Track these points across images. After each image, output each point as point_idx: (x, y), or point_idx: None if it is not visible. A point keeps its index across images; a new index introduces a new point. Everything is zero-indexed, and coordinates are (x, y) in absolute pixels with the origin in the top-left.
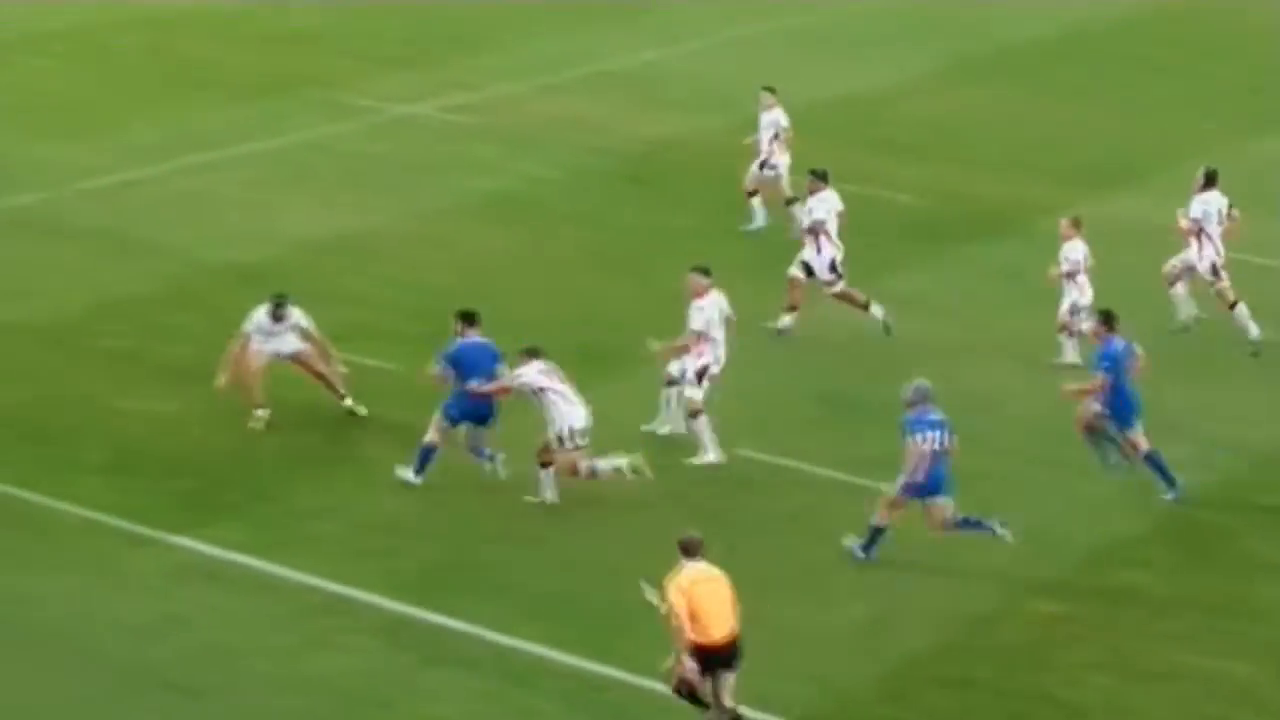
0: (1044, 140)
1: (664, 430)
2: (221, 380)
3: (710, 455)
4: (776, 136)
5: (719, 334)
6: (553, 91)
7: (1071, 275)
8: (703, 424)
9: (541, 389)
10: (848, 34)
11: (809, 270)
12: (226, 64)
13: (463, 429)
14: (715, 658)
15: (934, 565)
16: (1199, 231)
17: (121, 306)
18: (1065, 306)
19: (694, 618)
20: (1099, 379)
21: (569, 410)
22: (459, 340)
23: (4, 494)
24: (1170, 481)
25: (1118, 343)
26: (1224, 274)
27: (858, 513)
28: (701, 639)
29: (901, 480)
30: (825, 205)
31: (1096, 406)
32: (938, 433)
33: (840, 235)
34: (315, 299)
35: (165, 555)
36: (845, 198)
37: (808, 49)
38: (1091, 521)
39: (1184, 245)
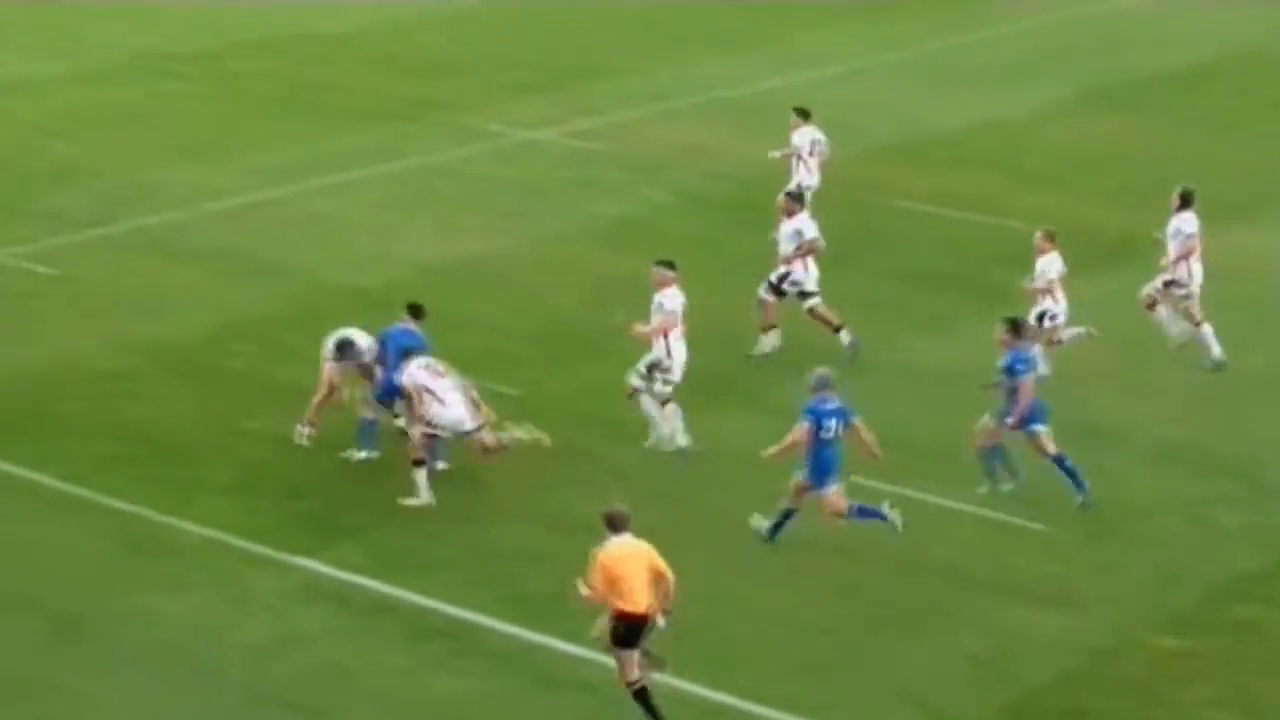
0: (1178, 171)
1: (682, 442)
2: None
3: (660, 433)
4: (799, 157)
5: (680, 328)
6: (675, 118)
7: (1047, 291)
8: (647, 403)
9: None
10: (977, 62)
11: (779, 291)
12: (352, 88)
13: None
14: (640, 626)
15: (1051, 596)
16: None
17: (247, 327)
18: (1033, 314)
19: (618, 588)
20: (1025, 384)
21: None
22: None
23: (129, 513)
24: (1079, 485)
25: (1024, 350)
26: (1184, 292)
27: (985, 547)
28: (630, 608)
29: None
30: (813, 226)
31: (994, 422)
32: (833, 421)
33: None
34: (439, 323)
35: (286, 575)
36: (971, 226)
37: (933, 77)
38: (1214, 556)
39: (1160, 265)
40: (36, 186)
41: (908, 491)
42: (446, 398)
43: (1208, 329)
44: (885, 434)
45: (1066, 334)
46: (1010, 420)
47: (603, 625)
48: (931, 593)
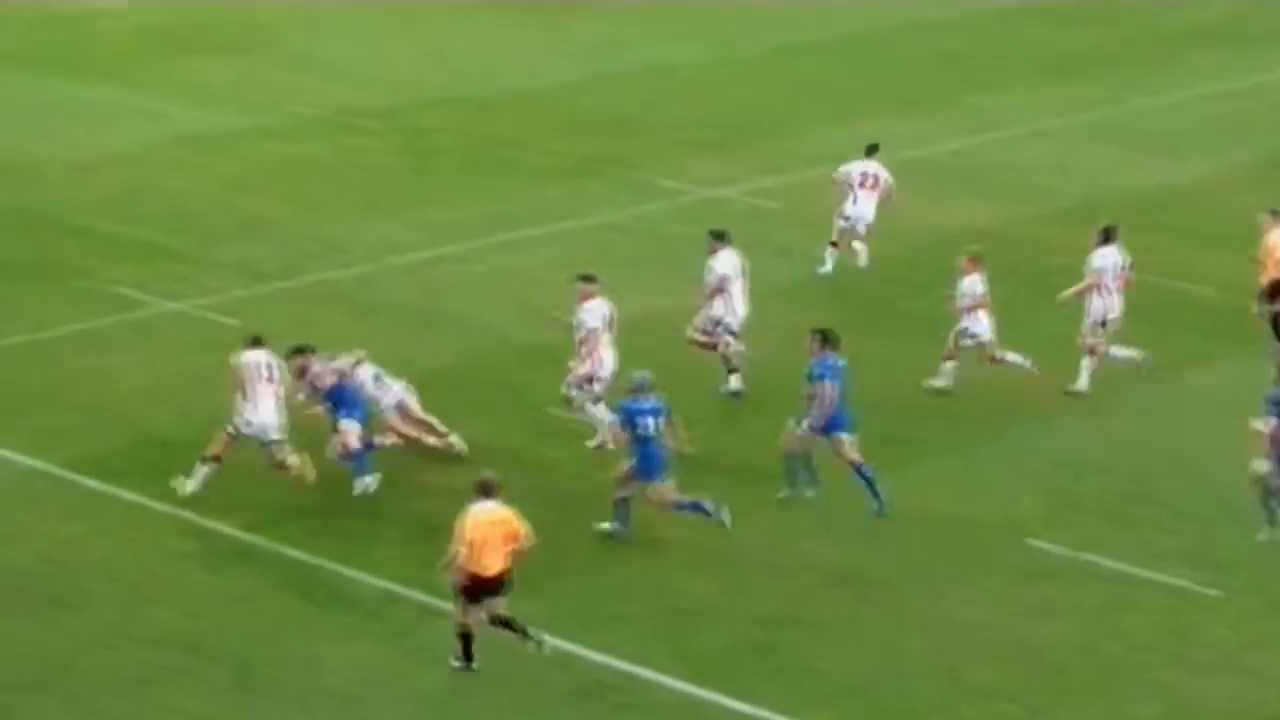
0: None
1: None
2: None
3: (604, 435)
4: (850, 186)
5: (606, 337)
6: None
7: (973, 309)
8: (589, 409)
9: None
10: (1161, 125)
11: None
12: (535, 145)
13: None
14: (486, 588)
15: (1227, 664)
16: (1097, 285)
17: (427, 380)
18: (955, 334)
19: (473, 551)
20: (827, 390)
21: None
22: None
23: (306, 562)
24: (875, 495)
25: (831, 359)
26: (1105, 330)
27: (1161, 612)
28: (479, 570)
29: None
30: (727, 264)
31: (802, 428)
32: (650, 419)
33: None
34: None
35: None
36: (1149, 290)
37: (1116, 139)
38: None
39: (1086, 303)
40: (224, 238)
41: (1085, 555)
42: (260, 402)
43: (1089, 364)
44: (1059, 491)
45: (1010, 356)
46: (812, 425)
47: (454, 579)
48: (1106, 658)
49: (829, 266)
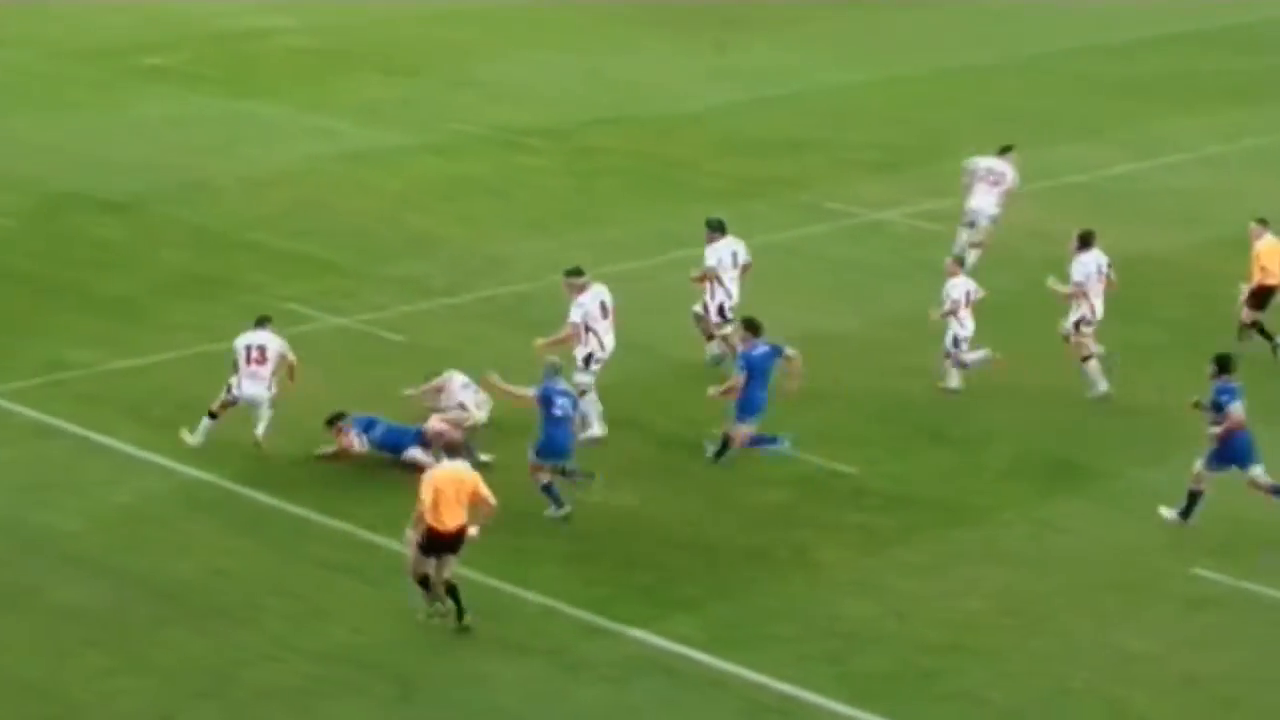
0: None
1: (594, 433)
2: None
3: (595, 430)
4: (974, 179)
5: (600, 325)
6: (1019, 201)
7: (952, 313)
8: (590, 401)
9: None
10: None
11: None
12: (700, 166)
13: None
14: (443, 543)
15: None
16: (1083, 292)
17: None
18: (948, 339)
19: (434, 506)
20: (737, 378)
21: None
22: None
23: (470, 578)
24: (772, 440)
25: (761, 347)
26: (1090, 329)
27: None
28: (435, 524)
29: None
30: (716, 254)
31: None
32: (566, 400)
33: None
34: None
35: (620, 646)
36: None
37: None
38: None
39: (1070, 306)
40: (390, 254)
41: (1254, 586)
42: (244, 378)
43: (1094, 364)
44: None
45: (970, 357)
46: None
47: (414, 534)
48: (1275, 691)
49: (966, 254)
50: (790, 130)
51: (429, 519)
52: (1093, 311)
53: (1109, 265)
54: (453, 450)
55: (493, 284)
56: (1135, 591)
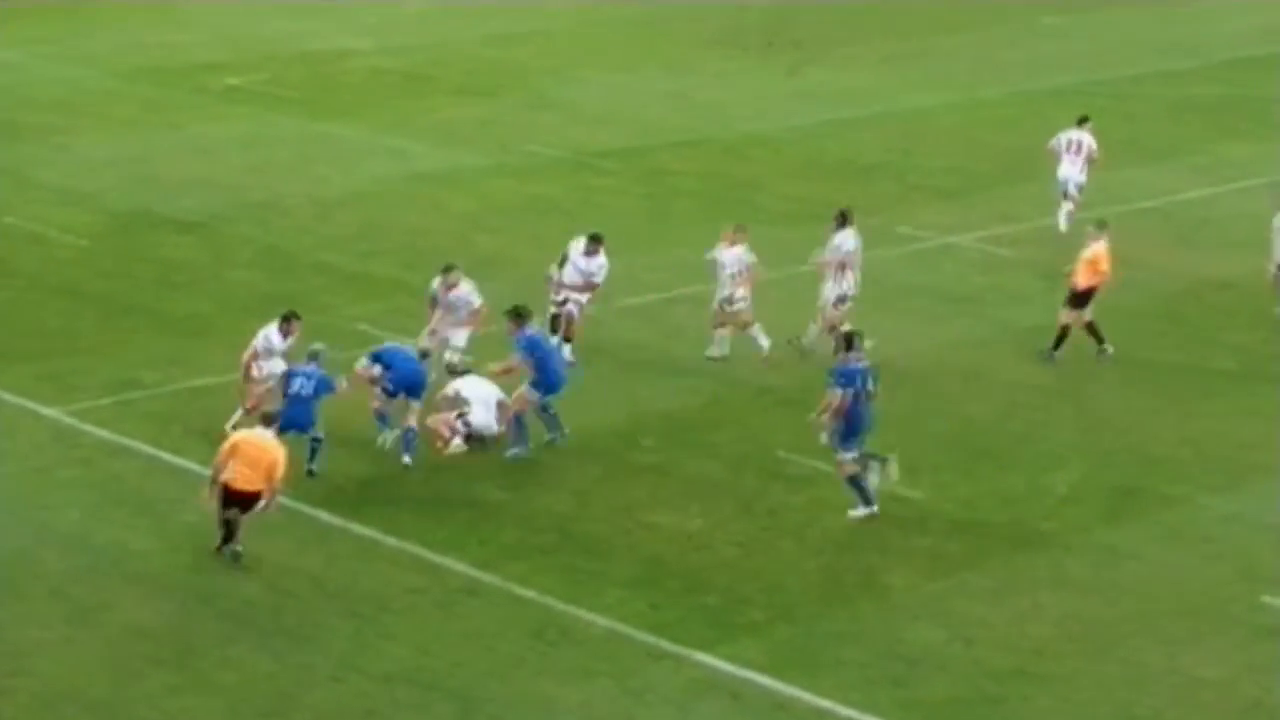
0: None
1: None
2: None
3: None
4: (1059, 153)
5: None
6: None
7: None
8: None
9: None
10: None
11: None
12: (772, 189)
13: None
14: (235, 501)
15: None
16: (841, 265)
17: (657, 421)
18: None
19: (230, 465)
20: (516, 360)
21: None
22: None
23: (535, 601)
24: (556, 426)
25: (531, 332)
26: (845, 307)
27: None
28: (228, 478)
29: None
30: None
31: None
32: (304, 381)
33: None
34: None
35: (685, 670)
36: None
37: None
38: None
39: (825, 279)
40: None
41: None
42: (264, 363)
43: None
44: None
45: (757, 335)
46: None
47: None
48: None
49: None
50: (863, 153)
51: (225, 471)
52: (851, 286)
53: (854, 248)
54: (268, 421)
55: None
56: (1202, 618)
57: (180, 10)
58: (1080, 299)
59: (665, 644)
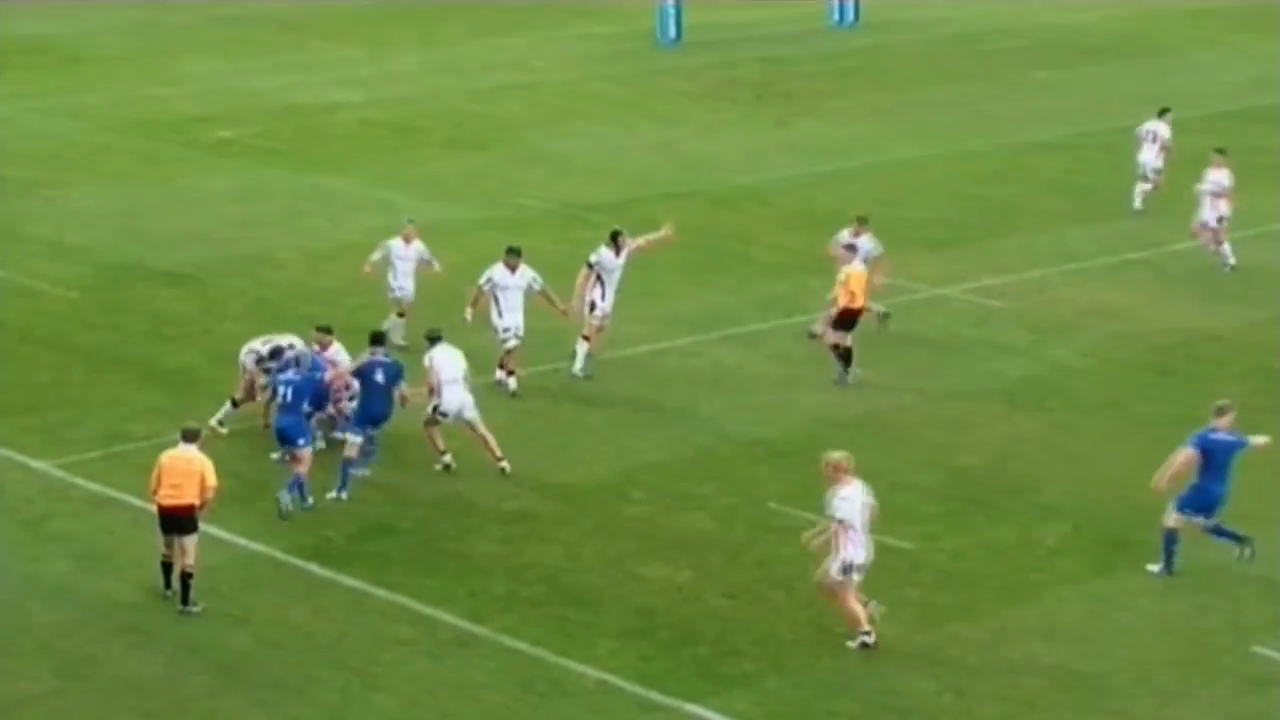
0: None
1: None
2: None
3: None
4: (1140, 141)
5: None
6: (1084, 278)
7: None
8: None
9: None
10: None
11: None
12: (762, 240)
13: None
14: (169, 520)
15: None
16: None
17: (648, 473)
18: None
19: (159, 483)
20: (330, 375)
21: None
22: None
23: (525, 653)
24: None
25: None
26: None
27: None
28: (159, 501)
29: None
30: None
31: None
32: (284, 389)
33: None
34: None
35: None
36: None
37: None
38: None
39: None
40: (450, 329)
41: None
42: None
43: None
44: None
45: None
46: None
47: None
48: None
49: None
50: (853, 204)
51: (159, 493)
52: (604, 299)
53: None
54: (188, 436)
55: (553, 358)
56: (1193, 669)
57: (172, 64)
58: (844, 321)
59: (656, 696)
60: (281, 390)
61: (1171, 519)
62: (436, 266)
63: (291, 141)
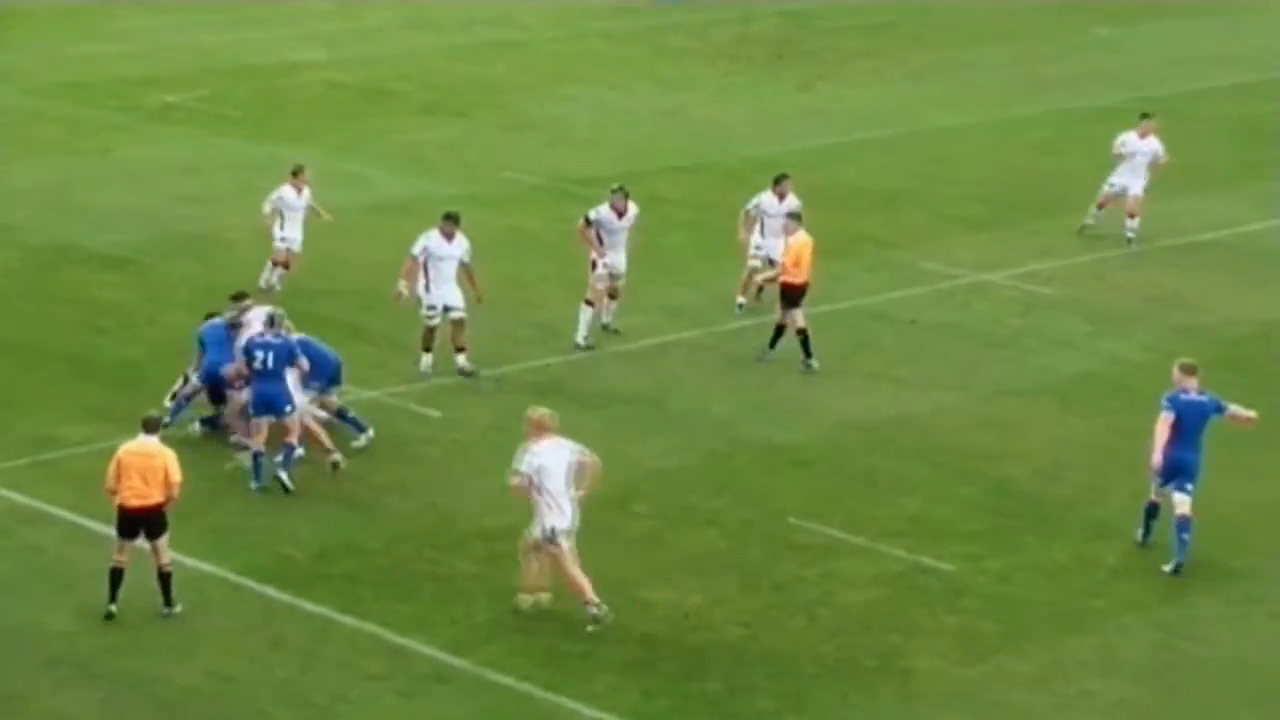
0: None
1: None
2: None
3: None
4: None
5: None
6: (1145, 261)
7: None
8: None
9: None
10: None
11: None
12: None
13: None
14: (134, 522)
15: None
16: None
17: (651, 484)
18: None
19: (119, 483)
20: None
21: None
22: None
23: (513, 688)
24: (359, 427)
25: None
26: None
27: None
28: (121, 501)
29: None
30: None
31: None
32: (262, 352)
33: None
34: (857, 483)
35: None
36: None
37: None
38: None
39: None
40: None
41: None
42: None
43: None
44: None
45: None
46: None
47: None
48: None
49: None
50: (885, 179)
51: (118, 498)
52: (607, 259)
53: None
54: (149, 426)
55: (543, 352)
56: (1273, 707)
57: (108, 18)
58: (791, 297)
59: None
60: (260, 355)
61: (1154, 492)
62: (325, 215)
63: (245, 107)
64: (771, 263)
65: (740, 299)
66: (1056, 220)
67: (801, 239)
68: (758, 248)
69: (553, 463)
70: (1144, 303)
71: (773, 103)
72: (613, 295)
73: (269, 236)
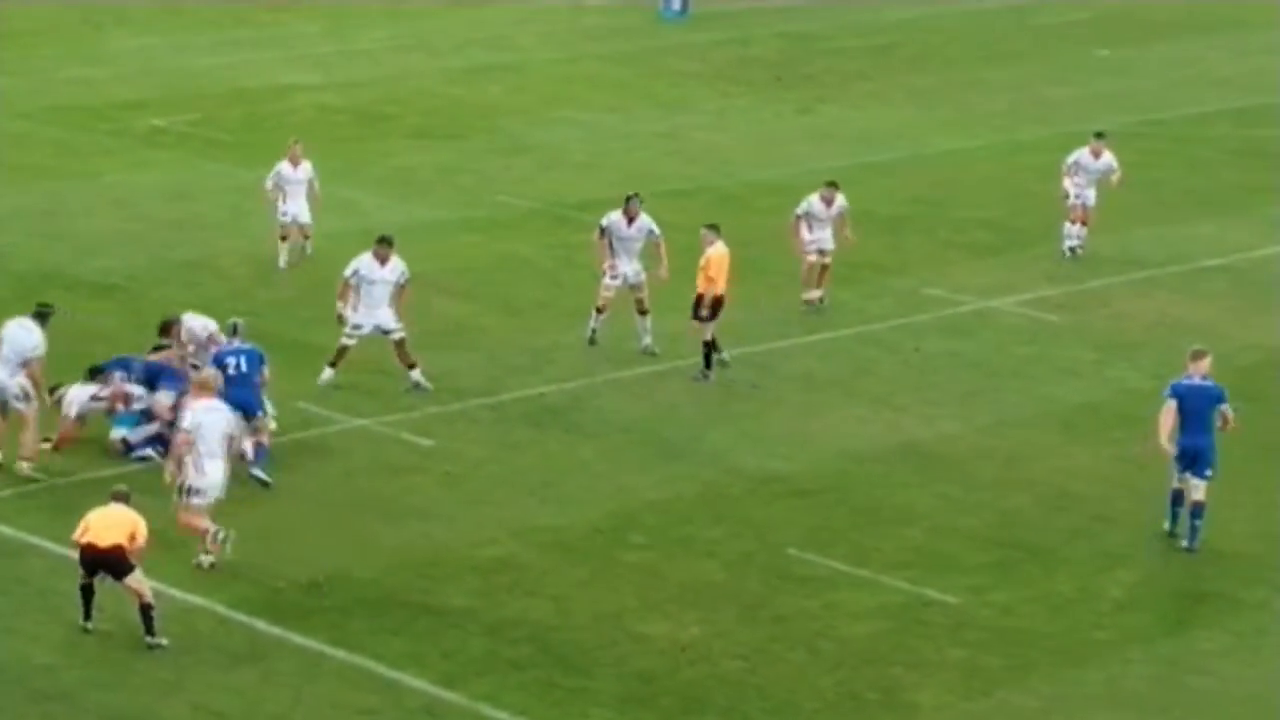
0: None
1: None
2: None
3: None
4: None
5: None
6: (1152, 287)
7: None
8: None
9: None
10: None
11: None
12: (784, 245)
13: None
14: (98, 561)
15: None
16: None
17: (648, 515)
18: None
19: (87, 530)
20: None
21: None
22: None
23: None
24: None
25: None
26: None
27: None
28: (90, 543)
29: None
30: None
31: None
32: (235, 358)
33: None
34: (858, 514)
35: None
36: None
37: None
38: None
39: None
40: (419, 346)
41: None
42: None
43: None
44: None
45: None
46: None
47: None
48: None
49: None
50: (888, 204)
51: (85, 538)
52: (619, 265)
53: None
54: (119, 498)
55: (537, 381)
56: None
57: (98, 40)
58: (712, 309)
59: None
60: (233, 361)
61: (1175, 480)
62: (315, 188)
63: (236, 131)
64: (823, 252)
65: (816, 293)
66: (1062, 246)
67: (720, 250)
68: (810, 242)
69: (208, 423)
70: (1151, 330)
71: (773, 125)
72: (641, 311)
73: (273, 213)
